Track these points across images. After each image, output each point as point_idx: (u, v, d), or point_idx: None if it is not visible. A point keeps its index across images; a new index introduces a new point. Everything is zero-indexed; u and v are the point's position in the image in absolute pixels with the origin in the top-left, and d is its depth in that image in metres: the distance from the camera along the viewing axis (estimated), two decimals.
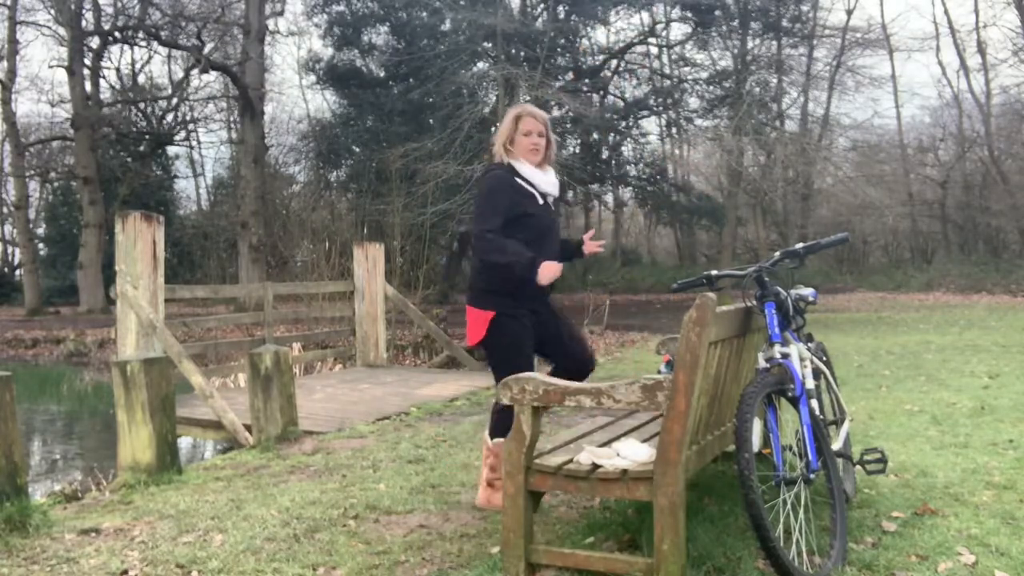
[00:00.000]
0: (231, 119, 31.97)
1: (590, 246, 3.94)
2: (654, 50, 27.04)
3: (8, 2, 25.38)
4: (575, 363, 3.87)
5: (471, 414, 6.54)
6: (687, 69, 25.06)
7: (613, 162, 25.01)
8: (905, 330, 12.90)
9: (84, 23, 25.04)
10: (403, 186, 20.47)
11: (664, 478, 2.61)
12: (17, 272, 31.06)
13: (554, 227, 3.81)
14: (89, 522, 3.78)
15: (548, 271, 3.51)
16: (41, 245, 29.56)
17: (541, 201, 3.72)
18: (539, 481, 2.84)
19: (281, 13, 27.98)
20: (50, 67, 38.04)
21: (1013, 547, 3.02)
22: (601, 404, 2.75)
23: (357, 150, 24.64)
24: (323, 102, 31.34)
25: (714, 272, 3.56)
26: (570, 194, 25.72)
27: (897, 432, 5.12)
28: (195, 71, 26.35)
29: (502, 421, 3.64)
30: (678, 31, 25.50)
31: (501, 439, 3.55)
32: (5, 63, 25.98)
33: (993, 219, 27.89)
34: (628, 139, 25.59)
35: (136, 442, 4.63)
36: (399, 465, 4.75)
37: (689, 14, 22.21)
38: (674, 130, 27.32)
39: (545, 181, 3.77)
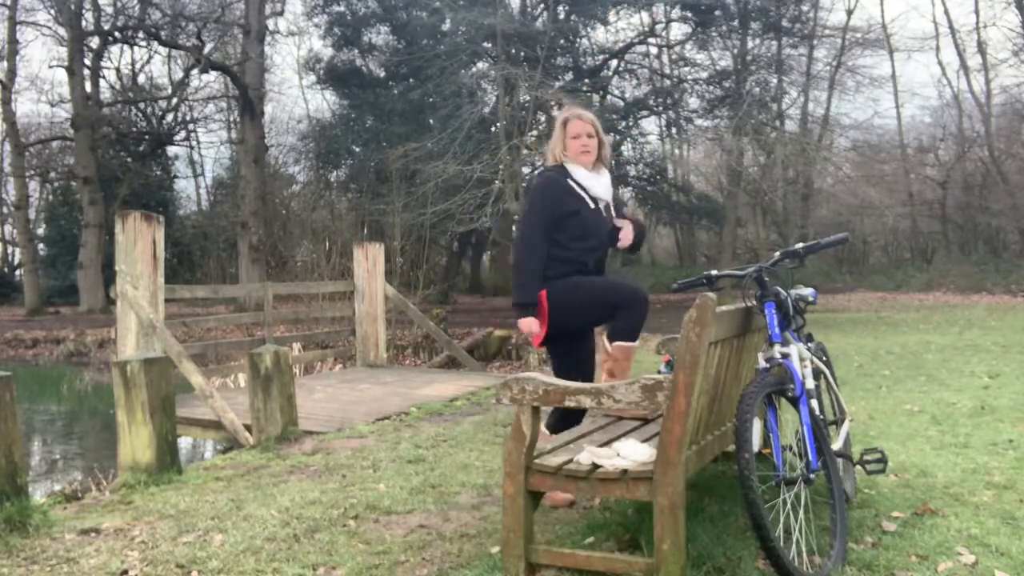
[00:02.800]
0: (231, 119, 31.96)
1: (624, 237, 3.92)
2: (654, 50, 27.01)
3: (8, 2, 25.38)
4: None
5: (471, 414, 6.54)
6: (687, 69, 25.01)
7: (613, 162, 24.95)
8: (905, 330, 12.90)
9: (84, 23, 25.04)
10: (403, 186, 20.46)
11: (664, 478, 2.61)
12: (17, 272, 31.05)
13: (603, 229, 3.81)
14: (89, 522, 3.77)
15: (524, 326, 3.68)
16: (41, 245, 29.54)
17: (592, 205, 3.77)
18: (539, 481, 2.84)
19: (281, 13, 27.99)
20: (50, 67, 38.09)
21: (1013, 547, 3.02)
22: (601, 404, 2.75)
23: (357, 150, 24.63)
24: (323, 102, 31.40)
25: (714, 272, 3.56)
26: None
27: (897, 432, 5.12)
28: (195, 71, 26.34)
29: (618, 324, 3.70)
30: (678, 31, 25.48)
31: (621, 342, 3.67)
32: (5, 63, 25.99)
33: (993, 219, 27.88)
34: (628, 139, 25.56)
35: (136, 442, 4.63)
36: (399, 465, 4.75)
37: (689, 14, 22.18)
38: (674, 130, 27.28)
39: (597, 184, 3.80)
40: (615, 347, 3.71)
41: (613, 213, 3.94)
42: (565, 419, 3.69)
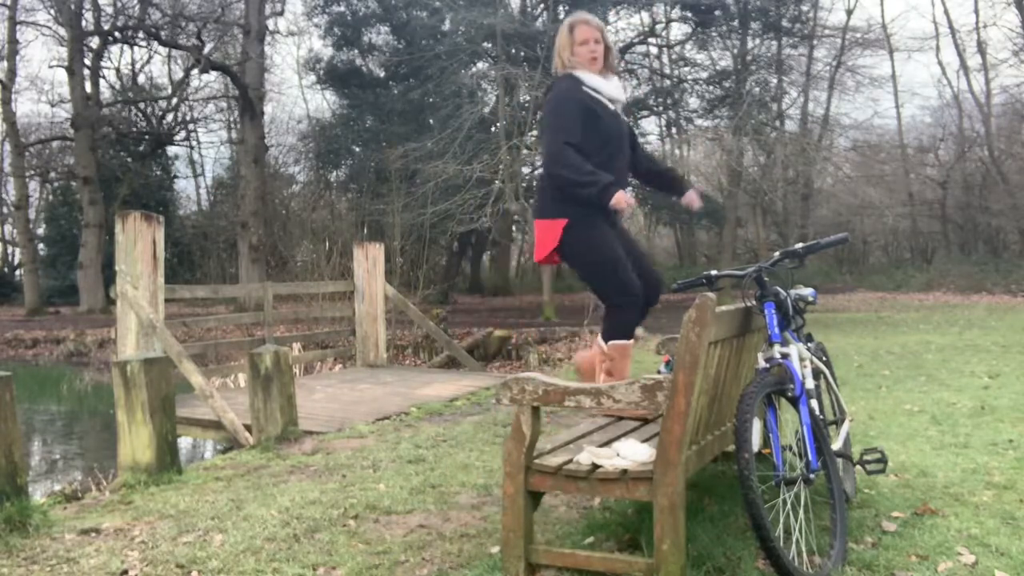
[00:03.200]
0: (231, 119, 31.97)
1: (691, 198, 3.93)
2: (654, 50, 27.03)
3: (8, 2, 25.39)
4: (649, 287, 3.76)
5: (471, 414, 6.54)
6: (687, 69, 25.03)
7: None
8: (905, 330, 12.89)
9: (84, 23, 25.04)
10: (403, 186, 20.47)
11: (664, 478, 2.61)
12: (17, 272, 31.05)
13: (624, 134, 3.77)
14: (89, 522, 3.78)
15: (622, 199, 3.49)
16: (41, 245, 29.54)
17: (612, 107, 3.71)
18: (539, 481, 2.84)
19: (281, 13, 27.98)
20: (50, 67, 38.11)
21: (1013, 547, 3.02)
22: (601, 404, 2.75)
23: (357, 150, 24.64)
24: (323, 102, 31.39)
25: (714, 272, 3.56)
26: None
27: (897, 432, 5.12)
28: (195, 71, 26.35)
29: (611, 323, 3.63)
30: (678, 31, 25.49)
31: (616, 341, 3.60)
32: (5, 63, 25.99)
33: (993, 219, 27.87)
34: None
35: (136, 442, 4.63)
36: (399, 465, 4.75)
37: (689, 14, 22.19)
38: (674, 130, 27.31)
39: (611, 87, 3.74)
40: (611, 347, 3.68)
41: (626, 118, 3.89)
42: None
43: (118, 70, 30.82)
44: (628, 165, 3.85)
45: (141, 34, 25.26)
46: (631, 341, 3.69)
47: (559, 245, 3.63)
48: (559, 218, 3.60)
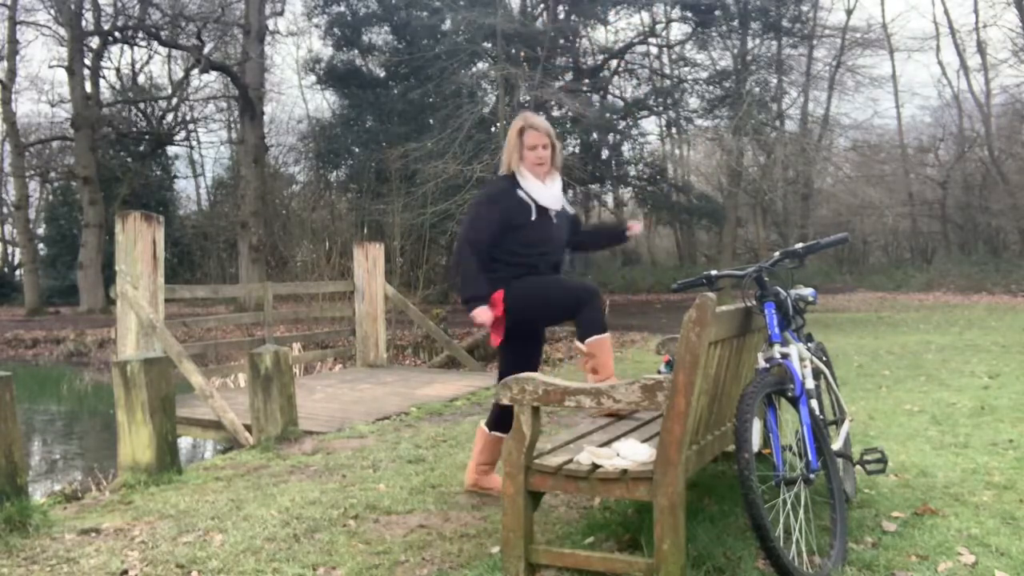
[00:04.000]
0: (231, 119, 31.98)
1: (634, 229, 4.21)
2: (654, 50, 27.02)
3: (8, 2, 25.39)
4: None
5: (471, 414, 6.54)
6: (687, 69, 25.03)
7: (613, 162, 25.00)
8: (905, 330, 12.90)
9: (84, 23, 25.05)
10: (403, 186, 20.46)
11: (664, 478, 2.61)
12: (17, 272, 31.06)
13: (553, 236, 3.91)
14: (89, 522, 3.78)
15: (480, 316, 3.72)
16: (41, 245, 29.55)
17: (534, 216, 3.82)
18: (539, 481, 2.84)
19: (281, 13, 28.01)
20: (50, 67, 38.08)
21: (1013, 547, 3.02)
22: (601, 404, 2.75)
23: (357, 150, 24.63)
24: (323, 102, 31.38)
25: (714, 272, 3.56)
26: (570, 194, 25.70)
27: (897, 432, 5.12)
28: (195, 71, 26.35)
29: (584, 321, 3.75)
30: (678, 31, 25.49)
31: (593, 337, 3.72)
32: (5, 63, 25.99)
33: (993, 219, 27.87)
34: (628, 139, 25.57)
35: (136, 442, 4.63)
36: (399, 465, 4.75)
37: (689, 14, 22.19)
38: (674, 130, 27.30)
39: (548, 194, 3.87)
40: (589, 343, 3.77)
41: (569, 211, 4.07)
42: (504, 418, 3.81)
43: (118, 70, 30.86)
44: (563, 253, 4.04)
45: (141, 34, 25.27)
46: (606, 334, 3.78)
47: (508, 311, 3.78)
48: (496, 290, 3.77)
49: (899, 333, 12.40)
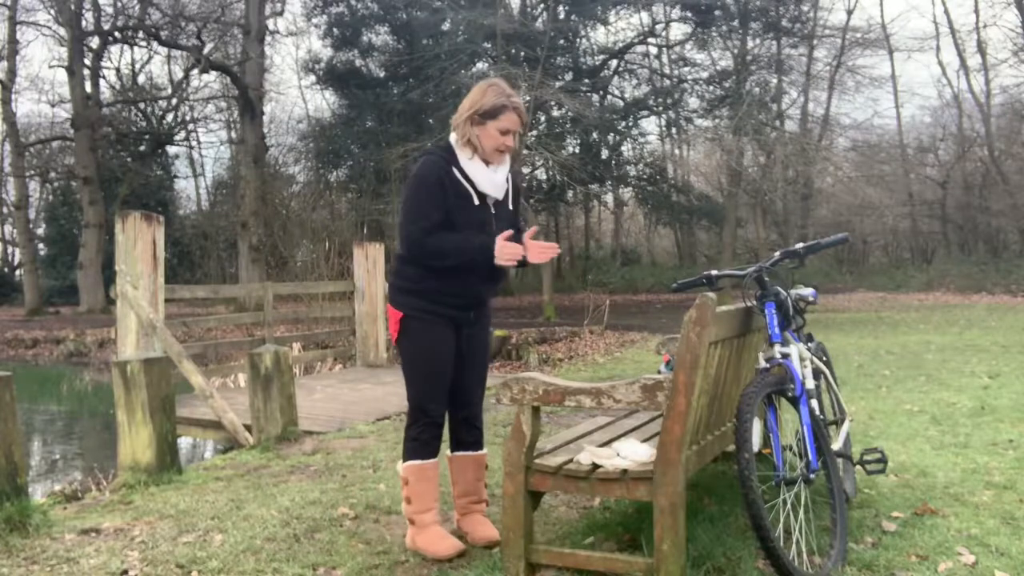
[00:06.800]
0: (231, 119, 31.99)
1: (533, 252, 3.15)
2: (654, 50, 27.05)
3: (8, 2, 25.40)
4: (456, 406, 3.46)
5: None
6: (687, 69, 25.05)
7: (613, 162, 25.02)
8: (905, 330, 12.90)
9: (84, 23, 25.07)
10: (403, 186, 20.44)
11: (664, 478, 2.61)
12: (17, 272, 31.07)
13: (494, 235, 3.11)
14: (89, 522, 3.77)
15: (508, 251, 3.05)
16: (41, 245, 29.58)
17: (477, 202, 3.14)
18: (539, 481, 2.84)
19: (281, 13, 28.02)
20: (50, 67, 38.08)
21: (1013, 547, 3.02)
22: (601, 404, 2.75)
23: (357, 150, 24.64)
24: (323, 102, 31.37)
25: (714, 272, 3.55)
26: (570, 194, 25.71)
27: (897, 432, 5.12)
28: (195, 71, 26.36)
29: (406, 440, 3.31)
30: (678, 31, 25.52)
31: (412, 461, 3.25)
32: (5, 63, 26.02)
33: (993, 219, 27.88)
34: (628, 139, 25.58)
35: (136, 442, 4.63)
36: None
37: (689, 14, 22.21)
38: (674, 130, 27.31)
39: (489, 181, 3.16)
40: (406, 468, 3.27)
41: (511, 206, 3.30)
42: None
43: (118, 70, 30.88)
44: (490, 272, 3.22)
45: (141, 34, 25.29)
46: (430, 462, 3.26)
47: (397, 335, 3.26)
48: (398, 310, 3.23)
49: (899, 333, 12.40)
